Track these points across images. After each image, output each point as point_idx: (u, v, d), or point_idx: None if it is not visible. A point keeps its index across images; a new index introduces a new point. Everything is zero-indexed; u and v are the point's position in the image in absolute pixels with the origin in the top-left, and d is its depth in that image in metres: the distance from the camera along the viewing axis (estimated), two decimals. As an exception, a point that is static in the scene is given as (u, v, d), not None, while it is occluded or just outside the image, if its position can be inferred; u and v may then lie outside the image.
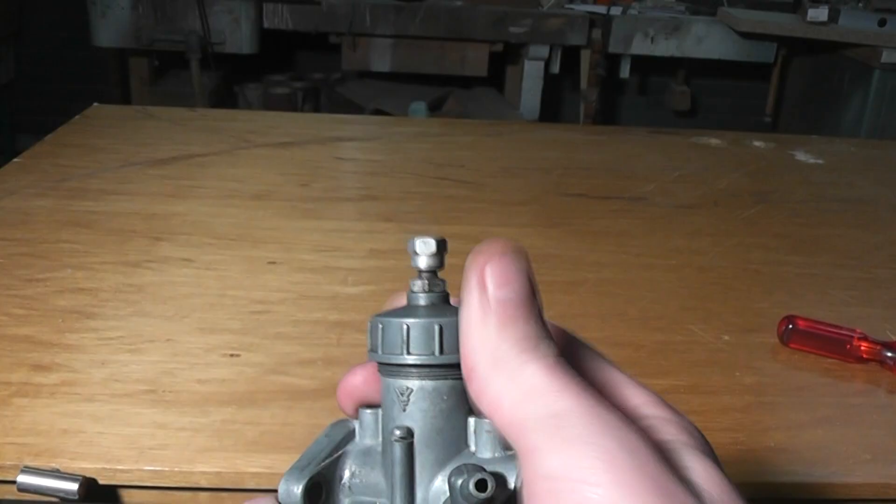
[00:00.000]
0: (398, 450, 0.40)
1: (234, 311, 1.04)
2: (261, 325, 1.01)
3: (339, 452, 0.43)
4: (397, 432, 0.40)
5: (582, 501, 0.32)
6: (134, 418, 0.82)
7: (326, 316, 1.05)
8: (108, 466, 0.76)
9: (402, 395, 0.41)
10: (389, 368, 0.42)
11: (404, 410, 0.41)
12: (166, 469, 0.76)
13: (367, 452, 0.43)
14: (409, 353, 0.40)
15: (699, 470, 0.35)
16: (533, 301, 0.38)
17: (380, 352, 0.42)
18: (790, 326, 1.05)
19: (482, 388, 0.36)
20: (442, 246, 0.43)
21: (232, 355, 0.94)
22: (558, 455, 0.33)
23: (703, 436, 0.39)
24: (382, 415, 0.43)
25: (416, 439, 0.40)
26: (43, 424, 0.80)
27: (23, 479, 0.74)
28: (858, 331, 1.03)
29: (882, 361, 1.01)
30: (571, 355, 0.41)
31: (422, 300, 0.43)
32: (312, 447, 0.44)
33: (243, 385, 0.89)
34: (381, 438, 0.43)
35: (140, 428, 0.81)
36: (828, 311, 1.14)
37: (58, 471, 0.75)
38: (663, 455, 0.34)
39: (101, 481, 0.76)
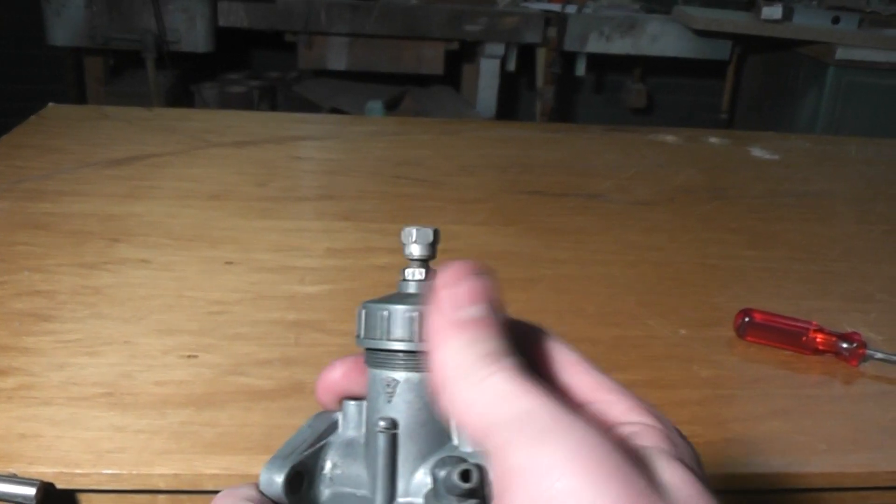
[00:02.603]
0: (382, 440, 0.40)
1: (191, 311, 1.04)
2: (218, 325, 1.01)
3: (322, 443, 0.44)
4: (382, 423, 0.40)
5: (547, 490, 0.33)
6: (92, 421, 0.81)
7: (284, 316, 1.04)
8: (65, 471, 0.75)
9: (388, 386, 0.41)
10: (375, 358, 0.42)
11: (389, 402, 0.41)
12: (124, 472, 0.76)
13: (349, 444, 0.44)
14: (389, 338, 0.41)
15: (671, 473, 0.36)
16: (493, 320, 0.39)
17: (362, 336, 0.42)
18: (747, 319, 1.05)
19: (452, 398, 0.38)
20: (435, 236, 0.44)
21: (190, 357, 0.94)
22: (524, 449, 0.35)
23: (689, 445, 0.40)
24: (367, 406, 0.43)
25: (400, 431, 0.41)
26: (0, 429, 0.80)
27: (-21, 484, 0.73)
28: (814, 323, 1.04)
29: (837, 353, 1.03)
30: (552, 360, 0.43)
31: (412, 288, 0.44)
32: (295, 437, 0.44)
33: (201, 386, 0.89)
34: (364, 430, 0.43)
35: (98, 431, 0.80)
36: (784, 304, 1.15)
37: (15, 476, 0.74)
38: (630, 455, 0.35)
39: (59, 486, 0.75)
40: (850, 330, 1.06)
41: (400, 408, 0.41)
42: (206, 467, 0.77)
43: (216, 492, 0.77)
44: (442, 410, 0.39)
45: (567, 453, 0.34)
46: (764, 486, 0.84)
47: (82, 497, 0.78)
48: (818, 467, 0.83)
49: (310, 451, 0.43)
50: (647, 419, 0.40)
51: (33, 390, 0.86)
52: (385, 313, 0.41)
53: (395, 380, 0.41)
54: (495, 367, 0.37)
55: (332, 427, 0.45)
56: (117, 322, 1.00)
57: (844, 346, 1.02)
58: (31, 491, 0.73)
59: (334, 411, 0.46)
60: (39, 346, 0.94)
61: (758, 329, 1.05)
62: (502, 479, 0.35)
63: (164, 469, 0.76)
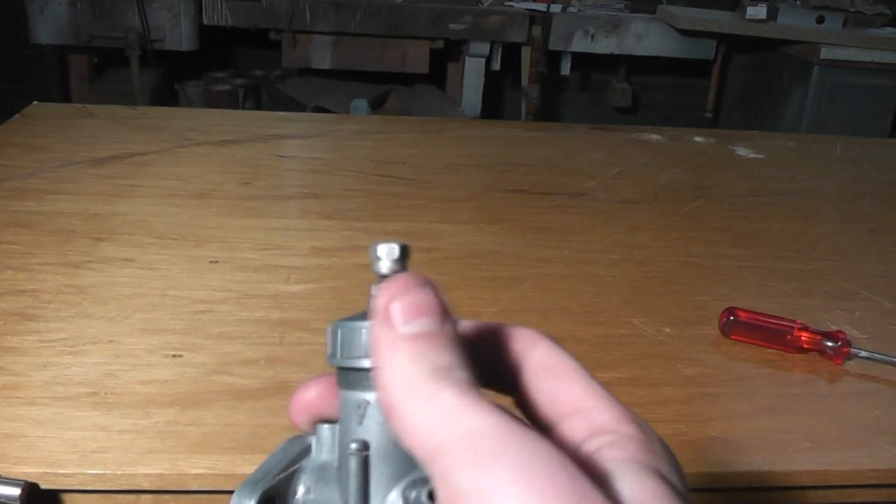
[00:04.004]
0: (353, 463, 0.39)
1: (176, 311, 1.03)
2: (203, 324, 1.01)
3: (295, 468, 0.43)
4: (353, 445, 0.39)
5: None
6: (76, 421, 0.81)
7: (269, 315, 1.04)
8: (49, 471, 0.75)
9: (358, 407, 0.40)
10: (345, 379, 0.41)
11: (361, 423, 0.40)
12: (108, 472, 0.76)
13: (322, 468, 0.43)
14: (357, 356, 0.40)
15: (640, 486, 0.35)
16: (442, 333, 0.38)
17: (338, 356, 0.41)
18: (731, 318, 1.06)
19: (401, 421, 0.36)
20: (404, 251, 0.42)
21: (174, 356, 0.94)
22: (469, 470, 0.33)
23: (671, 456, 0.39)
24: (339, 428, 0.42)
25: (371, 453, 0.40)
26: (-18, 428, 0.79)
27: (-38, 484, 0.73)
28: (799, 322, 1.05)
29: (822, 351, 1.03)
30: (546, 368, 0.41)
31: None
32: (267, 462, 0.43)
33: (186, 386, 0.88)
34: (337, 453, 0.42)
35: (82, 431, 0.80)
36: (768, 302, 1.15)
37: (-2, 475, 0.74)
38: (587, 470, 0.34)
39: (43, 486, 0.75)
40: (834, 328, 1.06)
41: (372, 429, 0.40)
42: (191, 467, 0.77)
43: (201, 492, 0.78)
44: (394, 433, 0.38)
45: (514, 474, 0.32)
46: (748, 484, 0.84)
47: (66, 497, 0.78)
48: (802, 465, 0.84)
49: (282, 475, 0.42)
50: (628, 429, 0.39)
51: (17, 390, 0.85)
52: (353, 331, 0.40)
53: (365, 401, 0.40)
54: (444, 382, 0.36)
55: (306, 451, 0.44)
56: (102, 321, 1.00)
57: (829, 344, 1.02)
58: (15, 491, 0.73)
59: (308, 435, 0.44)
60: (23, 345, 0.94)
61: (742, 328, 1.06)
62: None
63: (149, 469, 0.76)
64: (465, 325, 0.43)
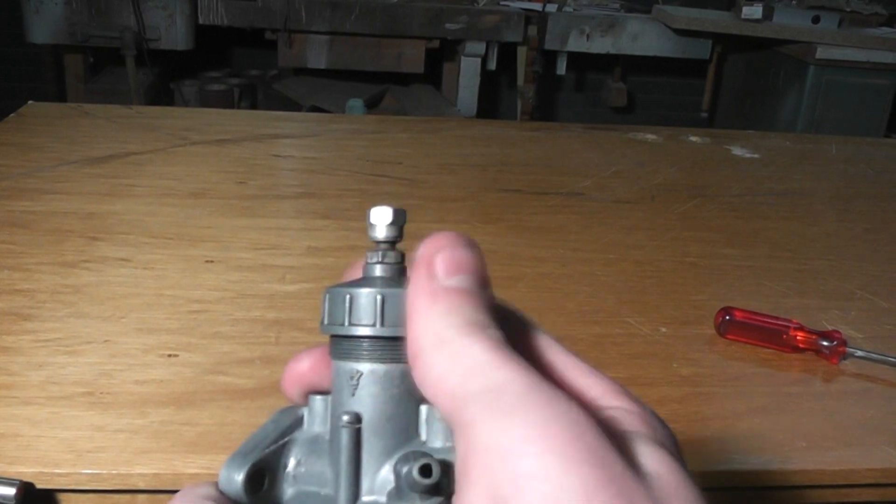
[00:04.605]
0: (345, 436, 0.38)
1: (171, 310, 1.03)
2: (199, 324, 1.01)
3: (286, 440, 0.42)
4: (345, 417, 0.38)
5: (513, 472, 0.31)
6: (71, 421, 0.81)
7: (264, 314, 1.04)
8: (45, 470, 0.75)
9: (351, 378, 0.39)
10: (339, 348, 0.40)
11: (353, 395, 0.39)
12: (104, 472, 0.75)
13: (314, 440, 0.42)
14: (351, 324, 0.39)
15: (651, 456, 0.34)
16: (481, 292, 0.38)
17: (325, 322, 0.41)
18: (727, 318, 1.06)
19: (426, 370, 0.36)
20: (400, 216, 0.42)
21: (170, 356, 0.93)
22: (493, 425, 0.32)
23: (668, 429, 0.38)
24: (332, 400, 0.41)
25: (364, 426, 0.39)
26: (-23, 428, 0.79)
27: (-43, 484, 0.73)
28: (794, 321, 1.05)
29: (818, 351, 1.03)
30: (531, 343, 0.41)
31: (377, 271, 0.42)
32: (257, 433, 0.42)
33: (181, 385, 0.88)
34: (329, 425, 0.41)
35: (78, 431, 0.80)
36: (764, 302, 1.15)
37: (-7, 475, 0.74)
38: (609, 435, 0.33)
39: (39, 485, 0.75)
40: (830, 328, 1.06)
41: (364, 401, 0.39)
42: (187, 467, 0.77)
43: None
44: (414, 386, 0.37)
45: (536, 430, 0.31)
46: (743, 483, 0.84)
47: (62, 497, 0.77)
48: (798, 464, 0.84)
49: (272, 447, 0.41)
50: (624, 403, 0.38)
51: (12, 390, 0.85)
52: (347, 297, 0.40)
53: (358, 371, 0.39)
54: (476, 337, 0.35)
55: (297, 423, 0.42)
56: (97, 321, 0.99)
57: (825, 343, 1.02)
58: (10, 491, 0.73)
59: (300, 406, 0.43)
60: (19, 345, 0.93)
61: (738, 327, 1.06)
62: (465, 459, 0.33)
63: (144, 468, 0.76)
64: None
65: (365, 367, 0.39)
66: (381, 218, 0.41)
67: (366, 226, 0.42)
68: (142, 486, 0.76)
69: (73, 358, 0.92)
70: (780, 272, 1.27)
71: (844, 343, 1.02)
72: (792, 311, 1.10)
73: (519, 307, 0.43)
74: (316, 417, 0.42)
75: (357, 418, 0.39)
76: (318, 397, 0.42)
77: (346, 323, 0.40)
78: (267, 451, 0.41)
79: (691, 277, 1.24)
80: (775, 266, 1.30)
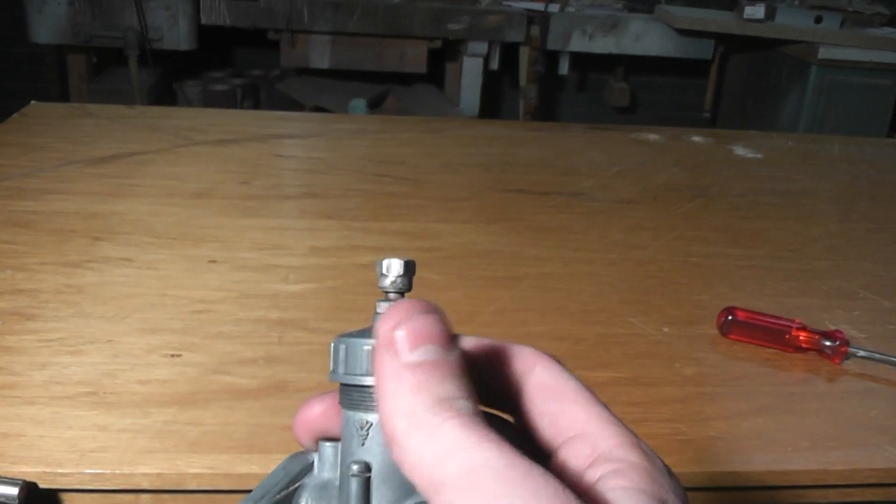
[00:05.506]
0: (354, 485, 0.39)
1: (174, 310, 1.03)
2: (202, 324, 1.01)
3: (296, 485, 0.42)
4: (354, 467, 0.39)
5: None
6: (75, 421, 0.81)
7: (268, 314, 1.04)
8: (48, 470, 0.75)
9: (361, 428, 0.40)
10: (348, 398, 0.40)
11: (363, 444, 0.40)
12: (107, 472, 0.76)
13: (324, 486, 0.42)
14: (360, 374, 0.39)
15: None
16: (447, 362, 0.37)
17: (335, 371, 0.41)
18: (730, 318, 1.06)
19: (403, 453, 0.36)
20: (410, 267, 0.41)
21: (173, 355, 0.94)
22: None
23: (676, 483, 0.38)
24: (342, 448, 0.41)
25: (373, 475, 0.39)
26: (-19, 428, 0.79)
27: (-39, 483, 0.73)
28: (797, 321, 1.05)
29: (820, 351, 1.03)
30: (550, 389, 0.41)
31: None
32: (268, 479, 0.42)
33: (184, 385, 0.88)
34: (339, 472, 0.42)
35: (81, 430, 0.80)
36: (767, 302, 1.15)
37: (-3, 475, 0.74)
38: (590, 500, 0.34)
39: (42, 485, 0.75)
40: (832, 328, 1.06)
41: (374, 451, 0.39)
42: (190, 466, 0.77)
43: (200, 491, 0.78)
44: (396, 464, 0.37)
45: None
46: (747, 483, 0.84)
47: (65, 496, 0.78)
48: (801, 464, 0.84)
49: (283, 493, 0.42)
50: (633, 456, 0.38)
51: (16, 389, 0.85)
52: (357, 348, 0.40)
53: (368, 422, 0.39)
54: (447, 414, 0.35)
55: (307, 469, 0.43)
56: (100, 321, 1.00)
57: (827, 343, 1.02)
58: (13, 490, 0.73)
59: (310, 452, 0.44)
60: (22, 345, 0.94)
61: (741, 327, 1.06)
62: None
63: (148, 468, 0.76)
64: (468, 342, 0.42)
65: (374, 417, 0.39)
66: (391, 269, 0.41)
67: (376, 275, 0.42)
68: (145, 485, 0.76)
69: (77, 358, 0.92)
70: (783, 272, 1.28)
71: (847, 343, 1.02)
72: (795, 310, 1.10)
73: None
74: (326, 464, 0.43)
75: (367, 468, 0.39)
76: (329, 444, 0.43)
77: (356, 373, 0.40)
78: (278, 496, 0.42)
79: (694, 277, 1.24)
80: (778, 266, 1.30)
